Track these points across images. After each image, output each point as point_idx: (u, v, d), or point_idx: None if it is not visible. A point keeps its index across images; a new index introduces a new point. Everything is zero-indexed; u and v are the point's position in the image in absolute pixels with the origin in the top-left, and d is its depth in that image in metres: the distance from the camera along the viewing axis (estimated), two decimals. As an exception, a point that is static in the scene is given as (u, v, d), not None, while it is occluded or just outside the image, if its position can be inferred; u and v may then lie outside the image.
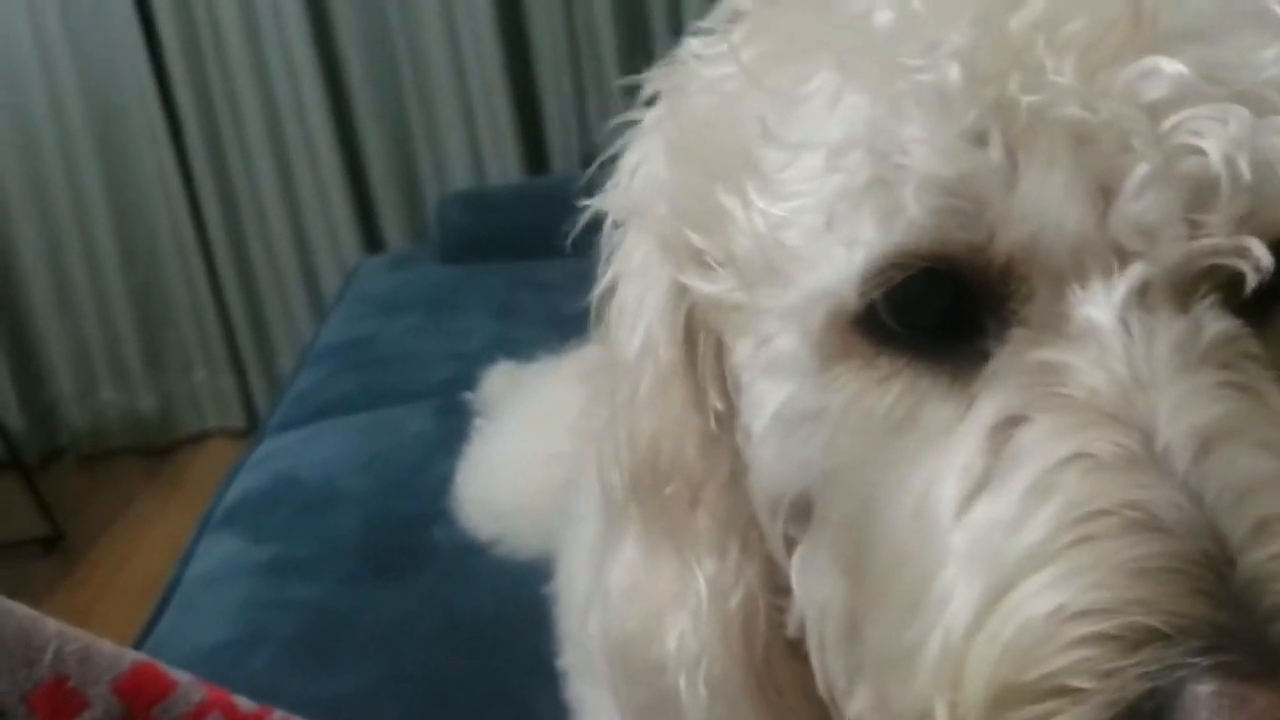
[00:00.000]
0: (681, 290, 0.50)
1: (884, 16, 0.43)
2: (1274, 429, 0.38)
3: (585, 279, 0.56)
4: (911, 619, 0.40)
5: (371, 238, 2.80)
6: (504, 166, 2.69)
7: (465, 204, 2.31)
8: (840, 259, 0.42)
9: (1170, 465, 0.36)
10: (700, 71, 0.51)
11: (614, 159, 0.55)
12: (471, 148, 2.71)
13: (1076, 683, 0.34)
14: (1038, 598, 0.36)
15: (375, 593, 1.19)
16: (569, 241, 0.57)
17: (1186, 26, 0.40)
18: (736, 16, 0.51)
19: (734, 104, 0.48)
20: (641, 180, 0.52)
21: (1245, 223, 0.40)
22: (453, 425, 1.42)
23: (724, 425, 0.50)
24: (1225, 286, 0.41)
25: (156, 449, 2.96)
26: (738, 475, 0.50)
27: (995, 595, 0.37)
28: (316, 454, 1.48)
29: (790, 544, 0.49)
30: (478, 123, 2.69)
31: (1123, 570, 0.34)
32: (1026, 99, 0.40)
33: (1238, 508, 0.35)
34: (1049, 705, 0.35)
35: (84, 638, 0.66)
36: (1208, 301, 0.40)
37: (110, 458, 2.96)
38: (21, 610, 0.65)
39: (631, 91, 0.55)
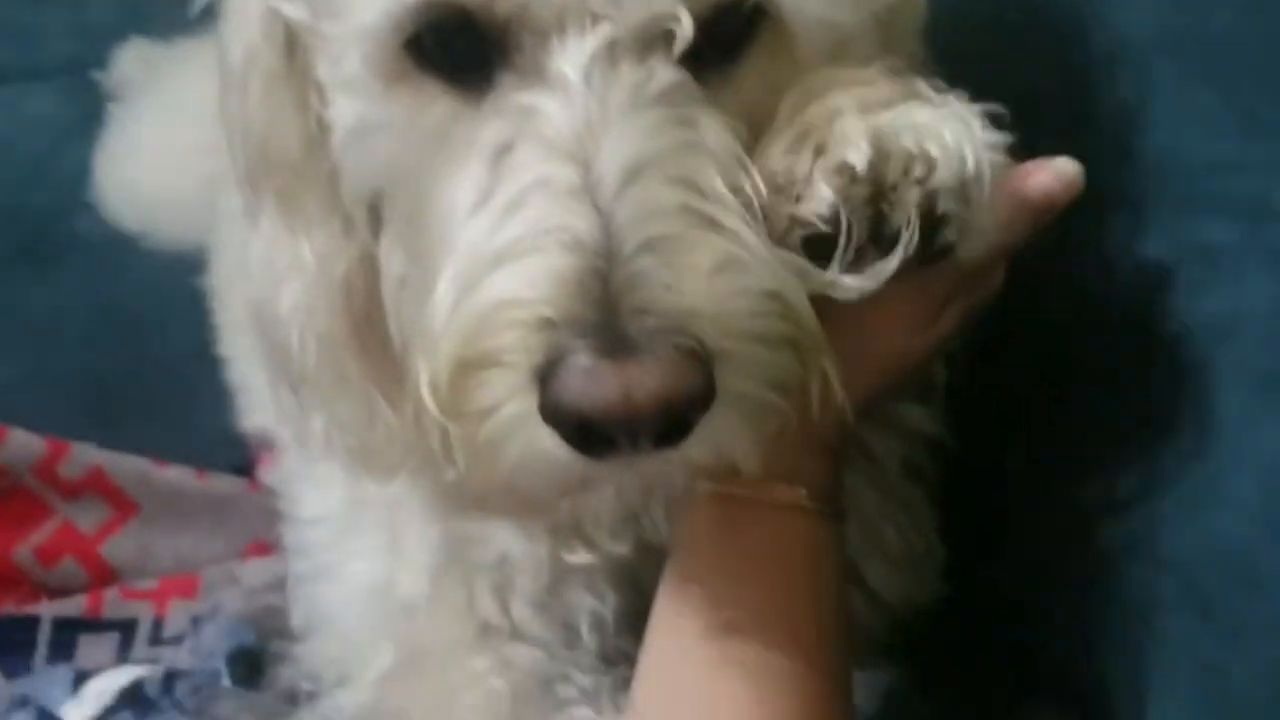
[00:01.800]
0: (278, 8, 0.56)
1: None
2: (694, 162, 0.49)
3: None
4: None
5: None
6: None
7: None
8: (376, 2, 0.51)
9: (598, 195, 0.47)
10: None
11: None
12: None
13: (504, 356, 0.47)
14: (488, 291, 0.47)
15: (23, 286, 1.18)
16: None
17: None
18: None
19: None
20: None
21: None
22: (83, 108, 1.36)
23: (324, 127, 0.57)
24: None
25: None
26: (336, 170, 0.58)
27: (464, 287, 0.48)
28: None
29: (378, 229, 0.59)
30: None
31: (546, 277, 0.46)
32: None
33: (634, 231, 0.46)
34: (489, 372, 0.47)
35: None
36: (662, 57, 0.50)
37: None
38: None
39: None
